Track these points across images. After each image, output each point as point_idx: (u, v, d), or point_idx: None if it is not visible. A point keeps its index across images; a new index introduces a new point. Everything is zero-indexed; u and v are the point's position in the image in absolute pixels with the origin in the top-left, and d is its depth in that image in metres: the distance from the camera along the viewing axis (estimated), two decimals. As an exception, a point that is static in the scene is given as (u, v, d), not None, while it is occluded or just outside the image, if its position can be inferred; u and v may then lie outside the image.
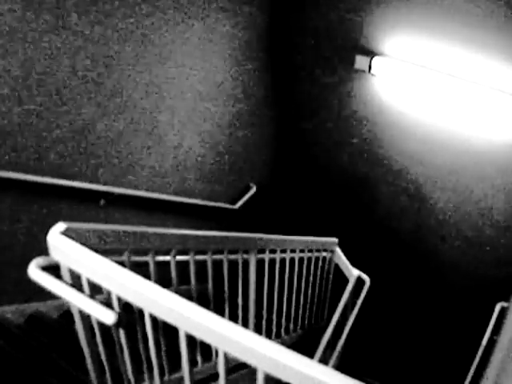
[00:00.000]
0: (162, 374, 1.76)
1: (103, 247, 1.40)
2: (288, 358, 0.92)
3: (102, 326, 1.44)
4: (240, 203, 4.25)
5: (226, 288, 2.12)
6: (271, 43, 3.93)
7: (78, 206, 2.61)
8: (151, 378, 1.73)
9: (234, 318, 2.40)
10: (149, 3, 2.59)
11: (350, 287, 3.12)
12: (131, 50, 2.60)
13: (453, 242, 4.26)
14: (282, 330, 3.01)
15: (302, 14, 3.69)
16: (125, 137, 2.77)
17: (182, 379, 1.88)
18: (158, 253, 1.68)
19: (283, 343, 2.98)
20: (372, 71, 3.50)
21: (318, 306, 3.63)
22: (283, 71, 4.21)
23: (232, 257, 3.10)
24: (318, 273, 3.35)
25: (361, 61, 3.51)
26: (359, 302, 3.21)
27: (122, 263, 1.53)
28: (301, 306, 3.19)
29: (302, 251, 3.05)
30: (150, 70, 2.77)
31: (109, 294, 1.32)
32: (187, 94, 3.17)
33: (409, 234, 4.56)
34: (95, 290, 1.33)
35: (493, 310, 3.21)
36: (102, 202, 2.74)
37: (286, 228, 5.56)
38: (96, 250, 1.33)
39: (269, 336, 3.01)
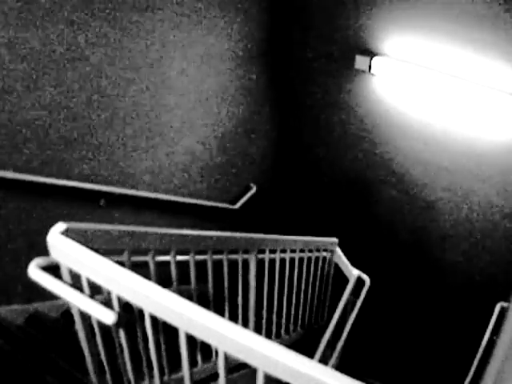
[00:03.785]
0: (161, 374, 1.76)
1: (103, 247, 1.40)
2: (288, 358, 0.92)
3: (102, 326, 1.44)
4: (240, 203, 4.25)
5: (226, 288, 2.12)
6: (271, 45, 3.93)
7: (78, 205, 2.61)
8: (151, 377, 1.73)
9: (234, 317, 2.40)
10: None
11: (349, 287, 3.12)
12: (131, 52, 2.60)
13: (453, 242, 4.26)
14: (282, 330, 3.01)
15: (302, 14, 3.69)
16: (125, 137, 2.77)
17: (182, 379, 1.88)
18: (157, 253, 1.68)
19: (283, 343, 2.98)
20: (372, 71, 3.50)
21: (318, 305, 3.63)
22: (283, 72, 4.21)
23: (232, 257, 3.10)
24: (318, 273, 3.35)
25: (361, 61, 3.51)
26: (359, 301, 3.21)
27: (121, 263, 1.53)
28: (301, 306, 3.19)
29: (301, 251, 3.05)
30: (148, 71, 2.77)
31: (109, 293, 1.32)
32: (188, 96, 3.17)
33: (409, 234, 4.56)
34: (95, 290, 1.33)
35: (493, 310, 3.21)
36: (102, 201, 2.74)
37: (286, 228, 5.56)
38: (96, 250, 1.33)
39: (269, 336, 3.01)
